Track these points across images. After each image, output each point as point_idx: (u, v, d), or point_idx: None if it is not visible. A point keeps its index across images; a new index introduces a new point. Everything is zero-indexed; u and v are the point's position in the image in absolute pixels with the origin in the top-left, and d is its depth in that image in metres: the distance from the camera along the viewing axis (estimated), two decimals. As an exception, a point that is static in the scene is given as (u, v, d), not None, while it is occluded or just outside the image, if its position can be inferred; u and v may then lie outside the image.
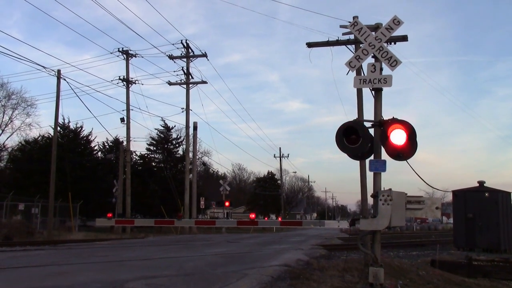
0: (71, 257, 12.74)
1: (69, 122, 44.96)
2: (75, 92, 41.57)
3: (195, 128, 37.00)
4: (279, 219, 59.48)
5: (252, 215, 8.98)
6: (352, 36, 14.76)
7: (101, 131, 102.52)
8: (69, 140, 43.84)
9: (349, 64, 8.52)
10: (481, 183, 19.76)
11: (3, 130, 37.07)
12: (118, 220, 11.22)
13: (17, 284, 7.64)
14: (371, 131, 8.24)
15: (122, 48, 33.27)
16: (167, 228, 35.80)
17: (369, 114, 12.85)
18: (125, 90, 33.80)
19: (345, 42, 15.30)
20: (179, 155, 50.13)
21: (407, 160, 8.25)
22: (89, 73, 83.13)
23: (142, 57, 33.48)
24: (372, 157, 8.22)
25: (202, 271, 9.88)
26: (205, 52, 32.96)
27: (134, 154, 45.68)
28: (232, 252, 15.81)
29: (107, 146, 48.42)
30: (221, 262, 12.17)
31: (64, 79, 27.18)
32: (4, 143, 37.97)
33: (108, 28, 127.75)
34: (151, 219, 11.64)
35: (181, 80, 34.18)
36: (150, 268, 10.26)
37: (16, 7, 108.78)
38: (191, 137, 37.53)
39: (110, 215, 10.82)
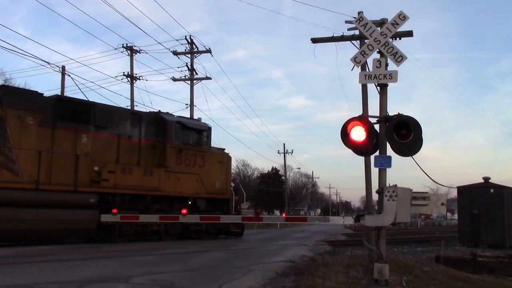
0: (77, 253, 12.80)
1: (74, 118, 44.97)
2: (79, 88, 41.59)
3: (199, 124, 36.99)
4: (283, 215, 59.50)
5: (257, 211, 9.01)
6: (357, 32, 14.72)
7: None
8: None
9: (355, 59, 8.50)
10: (486, 179, 19.71)
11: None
12: (123, 216, 11.27)
13: (21, 280, 7.67)
14: (376, 127, 8.24)
15: (127, 44, 33.26)
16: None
17: (373, 110, 12.84)
18: (130, 86, 33.84)
19: (350, 38, 15.27)
20: (183, 151, 50.10)
21: (412, 156, 8.25)
22: (94, 69, 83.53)
23: (147, 53, 33.52)
24: (377, 153, 8.22)
25: (207, 267, 9.90)
26: (209, 48, 32.90)
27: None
28: (237, 248, 15.85)
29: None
30: (226, 257, 12.20)
31: (69, 75, 27.24)
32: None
33: (113, 25, 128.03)
34: (156, 215, 11.71)
35: (185, 76, 34.14)
36: (155, 263, 10.29)
37: (22, 3, 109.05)
38: (195, 133, 37.54)
39: (115, 210, 10.89)
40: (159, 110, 19.56)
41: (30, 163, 14.39)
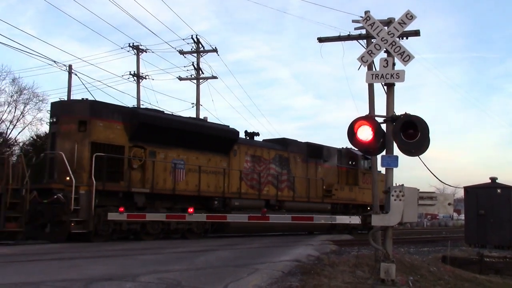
0: (84, 251, 12.86)
1: (80, 116, 45.04)
2: (86, 87, 41.81)
3: (205, 123, 36.95)
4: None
5: (263, 210, 9.01)
6: (363, 31, 14.69)
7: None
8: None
9: (362, 59, 8.48)
10: (493, 179, 19.62)
11: (14, 125, 37.21)
12: (130, 214, 11.34)
13: (29, 277, 7.72)
14: (383, 126, 8.21)
15: (133, 43, 33.30)
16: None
17: (380, 109, 12.82)
18: (136, 85, 33.89)
19: (357, 37, 15.23)
20: (189, 150, 50.19)
21: (419, 156, 8.22)
22: (101, 68, 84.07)
23: (153, 52, 33.47)
24: (384, 153, 8.20)
25: (213, 266, 9.92)
26: (215, 48, 32.87)
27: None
28: (243, 246, 15.85)
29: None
30: (232, 256, 12.21)
31: (76, 74, 27.24)
32: (16, 137, 38.20)
33: (121, 24, 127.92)
34: (162, 214, 11.76)
35: (191, 76, 34.17)
36: (162, 262, 10.33)
37: (30, 3, 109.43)
38: (201, 132, 37.51)
39: (122, 209, 10.94)
40: (346, 146, 27.79)
41: (300, 185, 24.13)
